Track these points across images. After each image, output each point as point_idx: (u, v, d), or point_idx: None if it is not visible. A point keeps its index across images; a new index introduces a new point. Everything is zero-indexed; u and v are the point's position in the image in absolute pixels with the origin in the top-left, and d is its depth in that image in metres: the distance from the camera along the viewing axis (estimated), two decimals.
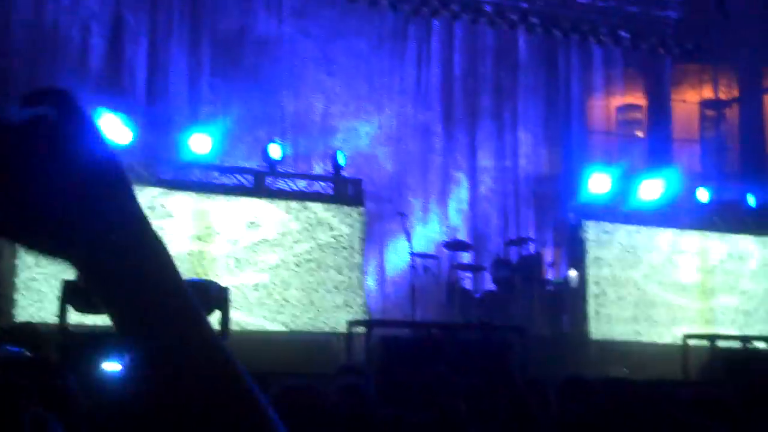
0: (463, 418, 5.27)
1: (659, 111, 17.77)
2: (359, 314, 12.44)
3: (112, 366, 8.42)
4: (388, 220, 14.60)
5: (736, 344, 13.24)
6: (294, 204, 12.77)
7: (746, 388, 4.84)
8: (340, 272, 12.50)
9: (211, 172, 12.95)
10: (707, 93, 18.34)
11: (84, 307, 9.38)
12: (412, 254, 13.15)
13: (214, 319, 9.45)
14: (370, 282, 14.46)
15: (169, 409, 1.04)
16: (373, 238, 14.37)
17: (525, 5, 16.20)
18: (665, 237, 14.29)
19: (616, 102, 17.90)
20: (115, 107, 12.15)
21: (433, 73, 16.19)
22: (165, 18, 14.52)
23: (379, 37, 15.88)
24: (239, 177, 13.00)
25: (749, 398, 4.57)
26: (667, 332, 13.84)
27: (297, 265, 12.37)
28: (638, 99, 18.29)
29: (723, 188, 15.31)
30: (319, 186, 13.41)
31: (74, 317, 9.43)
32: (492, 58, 16.55)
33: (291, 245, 12.43)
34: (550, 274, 14.43)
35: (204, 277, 11.24)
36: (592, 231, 13.92)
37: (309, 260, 12.37)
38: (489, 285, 14.21)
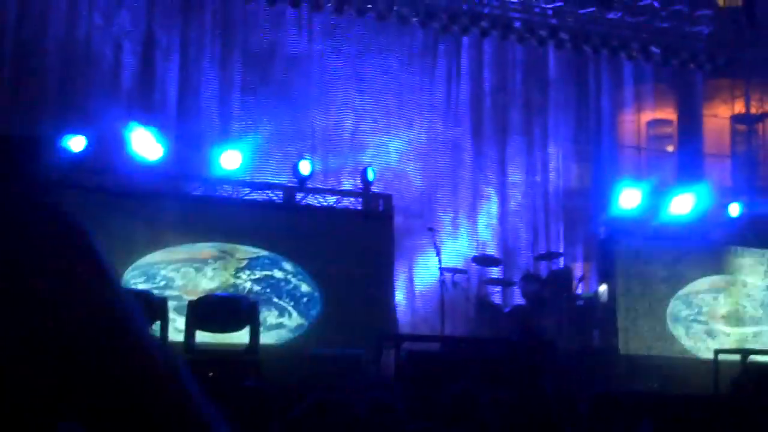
0: None
1: (690, 126, 17.70)
2: (388, 329, 12.45)
3: None
4: (417, 235, 14.64)
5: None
6: (324, 219, 12.82)
7: None
8: (369, 287, 12.50)
9: (242, 188, 13.03)
10: (739, 108, 18.25)
11: None
12: (442, 269, 13.17)
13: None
14: (400, 297, 14.49)
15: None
16: (402, 253, 14.41)
17: (555, 21, 16.20)
18: (697, 253, 14.20)
19: (646, 117, 17.84)
20: (146, 123, 12.28)
21: (462, 89, 16.22)
22: (196, 35, 14.66)
23: (409, 54, 15.94)
24: (269, 193, 13.08)
25: None
26: (698, 347, 13.74)
27: (327, 280, 12.39)
28: (669, 114, 18.23)
29: (754, 203, 15.21)
30: (348, 202, 13.46)
31: None
32: (522, 74, 16.56)
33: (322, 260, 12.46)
34: (579, 289, 14.37)
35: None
36: (622, 246, 13.85)
37: (338, 275, 12.38)
38: (518, 300, 14.18)
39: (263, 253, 12.27)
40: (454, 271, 13.87)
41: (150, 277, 11.73)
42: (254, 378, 8.80)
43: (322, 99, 15.22)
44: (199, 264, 12.00)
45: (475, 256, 14.80)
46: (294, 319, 12.23)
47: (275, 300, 12.16)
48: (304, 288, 12.31)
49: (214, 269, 12.05)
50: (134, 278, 11.63)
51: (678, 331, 13.82)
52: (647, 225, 14.27)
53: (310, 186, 13.28)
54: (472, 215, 15.78)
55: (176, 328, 10.26)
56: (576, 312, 13.61)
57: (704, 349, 13.65)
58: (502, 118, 16.31)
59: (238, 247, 12.21)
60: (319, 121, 15.12)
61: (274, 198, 13.02)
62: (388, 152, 15.46)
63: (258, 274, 12.23)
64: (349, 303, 12.17)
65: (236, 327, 9.99)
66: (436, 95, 15.99)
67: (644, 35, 16.69)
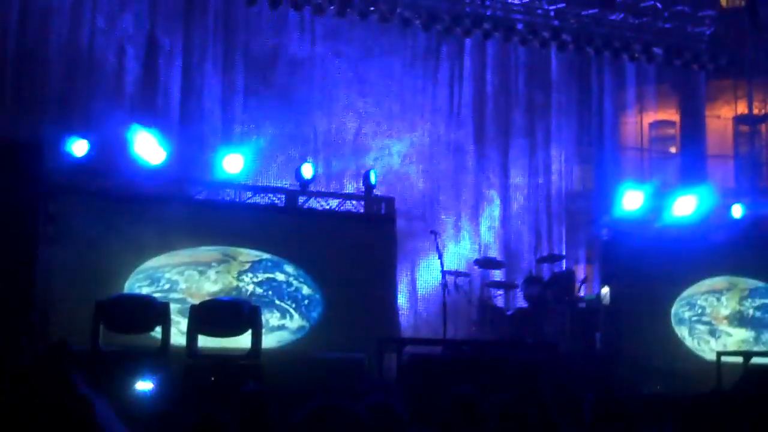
0: None
1: (693, 127, 17.68)
2: (391, 332, 12.47)
3: (143, 384, 8.51)
4: (419, 238, 14.66)
5: None
6: (326, 222, 12.84)
7: None
8: (371, 290, 12.52)
9: (244, 192, 13.04)
10: (741, 108, 18.23)
11: (116, 327, 9.49)
12: (444, 272, 13.17)
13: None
14: (402, 300, 14.50)
15: None
16: (404, 256, 14.42)
17: (557, 23, 16.19)
18: (700, 255, 14.18)
19: (649, 118, 17.83)
20: (149, 127, 12.30)
21: (465, 92, 16.23)
22: (199, 39, 14.68)
23: (411, 57, 15.95)
24: (272, 196, 13.10)
25: None
26: (701, 348, 13.73)
27: (328, 283, 12.42)
28: (671, 115, 18.22)
29: (757, 204, 15.19)
30: (350, 205, 13.46)
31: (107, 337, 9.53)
32: (524, 76, 16.56)
33: (324, 263, 12.49)
34: (582, 291, 14.37)
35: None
36: (624, 248, 13.83)
37: (341, 278, 12.40)
38: (521, 302, 14.18)
39: (265, 256, 12.31)
40: (456, 273, 13.89)
41: (154, 281, 11.78)
42: (255, 382, 8.81)
43: (325, 102, 15.24)
44: (203, 267, 12.05)
45: (477, 259, 14.82)
46: (295, 321, 12.29)
47: (277, 302, 12.23)
48: (306, 290, 12.36)
49: (217, 272, 12.09)
50: (139, 282, 11.68)
51: (681, 332, 13.81)
52: (650, 227, 14.24)
53: (312, 189, 13.28)
54: (475, 218, 15.79)
55: (180, 330, 10.30)
56: (578, 314, 13.60)
57: (708, 350, 13.64)
58: (504, 121, 16.32)
59: (241, 250, 12.25)
60: (321, 125, 15.14)
61: (277, 201, 13.04)
62: (391, 155, 15.48)
63: (260, 277, 12.27)
64: (351, 306, 12.19)
65: (238, 331, 10.01)
66: (438, 98, 16.00)
67: (647, 36, 16.68)
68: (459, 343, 12.15)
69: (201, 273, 12.02)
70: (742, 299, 14.29)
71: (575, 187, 16.81)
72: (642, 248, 13.80)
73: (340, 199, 13.53)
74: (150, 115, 13.42)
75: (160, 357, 9.40)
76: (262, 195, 13.14)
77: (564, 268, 14.67)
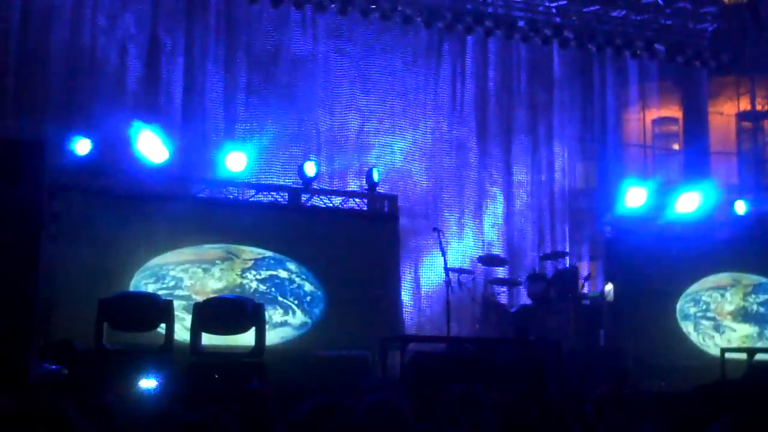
0: None
1: (696, 124, 17.66)
2: (394, 329, 12.48)
3: (147, 382, 8.51)
4: (422, 235, 14.66)
5: None
6: (329, 220, 12.86)
7: None
8: (374, 288, 12.54)
9: (247, 190, 13.06)
10: (744, 105, 18.23)
11: (120, 326, 9.49)
12: (447, 269, 13.16)
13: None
14: (405, 297, 14.50)
15: None
16: (408, 253, 14.43)
17: (559, 20, 16.17)
18: (703, 251, 14.17)
19: (651, 115, 17.83)
20: (151, 126, 12.31)
21: (467, 89, 16.23)
22: (200, 37, 14.68)
23: (413, 55, 15.94)
24: (274, 194, 13.11)
25: None
26: (706, 343, 13.74)
27: (331, 281, 12.44)
28: (674, 112, 18.21)
29: (761, 200, 15.19)
30: (353, 202, 13.47)
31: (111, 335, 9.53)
32: (526, 74, 16.56)
33: (327, 261, 12.51)
34: (585, 288, 14.36)
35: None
36: (628, 245, 13.83)
37: (344, 276, 12.42)
38: (524, 299, 14.17)
39: (268, 253, 12.36)
40: (459, 271, 13.89)
41: (159, 278, 11.86)
42: (259, 380, 8.82)
43: (327, 100, 15.24)
44: (207, 265, 12.12)
45: (480, 256, 14.82)
46: (298, 317, 12.35)
47: (280, 299, 12.30)
48: (308, 287, 12.42)
49: (221, 270, 12.16)
50: (144, 279, 11.75)
51: (687, 327, 13.82)
52: (653, 223, 14.23)
53: (315, 187, 13.30)
54: (478, 215, 15.78)
55: (185, 326, 10.33)
56: (582, 312, 13.58)
57: (712, 345, 13.68)
58: (507, 118, 16.31)
59: (244, 248, 12.31)
60: (323, 122, 15.14)
61: (280, 199, 13.05)
62: (393, 153, 15.48)
63: (263, 274, 12.33)
64: (355, 303, 12.22)
65: (242, 329, 10.00)
66: (440, 95, 15.99)
67: (649, 33, 16.65)
68: (462, 340, 12.14)
69: (205, 270, 12.09)
70: (746, 295, 14.29)
71: (578, 185, 16.81)
72: (645, 245, 13.80)
73: (343, 197, 13.55)
74: (152, 113, 13.42)
75: (164, 355, 9.40)
76: (265, 193, 13.15)
77: (567, 266, 14.67)
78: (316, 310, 12.40)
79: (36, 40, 13.61)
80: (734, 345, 13.71)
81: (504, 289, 14.74)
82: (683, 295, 13.93)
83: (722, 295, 14.19)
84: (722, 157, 18.02)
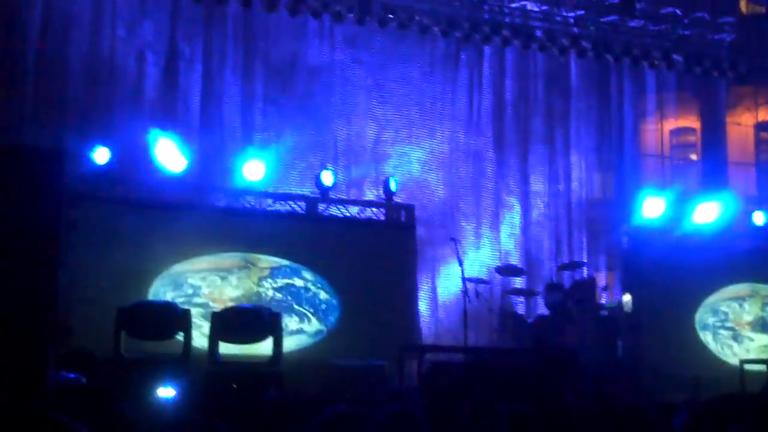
0: None
1: (714, 134, 17.60)
2: (411, 339, 12.47)
3: (166, 391, 8.51)
4: (439, 245, 14.63)
5: None
6: (346, 230, 12.88)
7: None
8: (392, 298, 12.55)
9: (265, 200, 13.08)
10: (763, 115, 18.15)
11: (138, 334, 9.51)
12: (464, 279, 13.14)
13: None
14: (422, 307, 14.49)
15: None
16: (425, 263, 14.41)
17: (576, 30, 16.16)
18: (721, 262, 14.11)
19: (669, 125, 17.76)
20: (169, 135, 12.35)
21: (484, 99, 16.22)
22: (219, 46, 14.71)
23: (430, 64, 15.95)
24: (292, 204, 13.12)
25: None
26: (725, 352, 13.69)
27: (348, 290, 12.45)
28: (692, 122, 18.14)
29: None
30: (371, 212, 13.47)
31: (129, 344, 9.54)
32: (543, 83, 16.54)
33: (344, 270, 12.53)
34: (603, 299, 14.32)
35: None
36: (646, 255, 13.78)
37: (361, 285, 12.43)
38: (542, 310, 14.13)
39: (284, 262, 12.42)
40: (477, 281, 13.85)
41: (178, 286, 11.94)
42: (276, 389, 8.81)
43: (344, 109, 15.25)
44: (224, 273, 12.20)
45: (498, 266, 14.79)
46: (313, 325, 12.44)
47: (296, 307, 12.40)
48: (323, 295, 12.47)
49: (238, 278, 12.25)
50: (163, 286, 11.81)
51: (705, 337, 13.78)
52: (671, 234, 14.18)
53: (332, 196, 13.31)
54: (495, 225, 15.76)
55: (203, 333, 10.38)
56: (600, 322, 13.55)
57: (731, 355, 13.72)
58: (524, 128, 16.29)
59: (261, 256, 12.36)
60: (341, 132, 15.16)
61: (297, 209, 13.06)
62: (410, 162, 15.47)
63: (279, 283, 12.41)
64: (372, 312, 12.23)
65: (259, 338, 10.00)
66: (457, 105, 15.98)
67: (667, 43, 16.62)
68: (480, 350, 12.13)
69: (223, 278, 12.16)
70: (764, 305, 14.26)
71: (596, 195, 16.76)
72: (663, 256, 13.75)
73: (360, 207, 13.56)
74: (170, 122, 13.45)
75: (182, 364, 9.40)
76: (282, 202, 13.17)
77: (585, 276, 14.63)
78: (331, 318, 12.45)
79: (55, 48, 13.67)
80: (752, 354, 13.67)
81: (521, 299, 14.71)
82: (703, 305, 13.88)
83: (740, 306, 14.16)
84: (740, 168, 17.94)
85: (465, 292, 13.02)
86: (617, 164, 16.85)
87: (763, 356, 13.68)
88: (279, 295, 12.31)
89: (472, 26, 15.61)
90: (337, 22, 15.01)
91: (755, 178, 18.06)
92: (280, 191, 13.78)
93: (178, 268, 11.97)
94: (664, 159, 17.75)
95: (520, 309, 14.55)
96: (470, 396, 6.67)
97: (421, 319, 14.15)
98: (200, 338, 10.36)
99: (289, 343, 11.56)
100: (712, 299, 13.97)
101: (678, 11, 16.49)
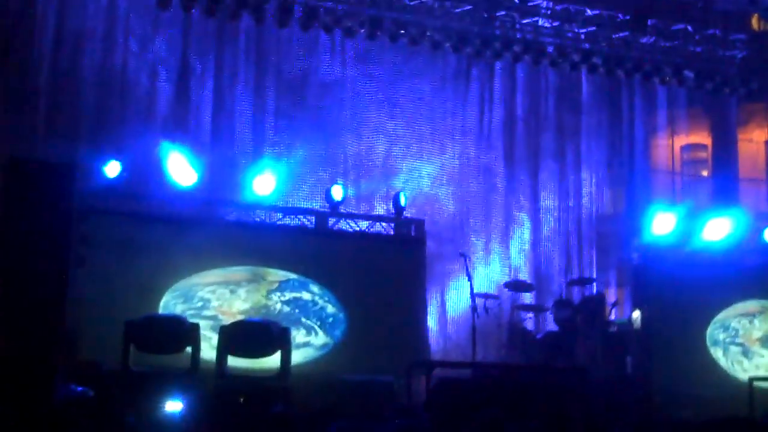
0: None
1: (725, 150, 17.58)
2: (420, 355, 12.46)
3: (173, 405, 8.53)
4: (449, 260, 14.63)
5: None
6: (356, 244, 12.90)
7: None
8: (401, 312, 12.55)
9: (274, 214, 13.12)
10: None
11: (146, 348, 9.54)
12: (474, 295, 13.14)
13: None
14: (432, 322, 14.48)
15: None
16: (434, 278, 14.41)
17: (587, 46, 16.16)
18: (731, 278, 14.08)
19: (680, 141, 17.75)
20: (181, 149, 12.41)
21: (495, 114, 16.24)
22: (230, 62, 14.79)
23: (441, 79, 15.99)
24: (301, 218, 13.16)
25: None
26: (734, 369, 13.65)
27: (358, 304, 12.46)
28: (703, 138, 18.12)
29: None
30: (380, 227, 13.49)
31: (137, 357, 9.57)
32: (554, 99, 16.55)
33: (353, 284, 12.55)
34: (613, 315, 14.28)
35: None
36: (656, 271, 13.75)
37: (371, 299, 12.45)
38: (551, 326, 14.11)
39: (293, 276, 12.45)
40: (486, 296, 13.84)
41: (188, 299, 12.02)
42: (283, 404, 8.82)
43: (355, 124, 15.30)
44: (233, 286, 12.27)
45: (507, 282, 14.77)
46: (320, 338, 12.46)
47: (303, 320, 12.43)
48: (330, 309, 12.50)
49: (247, 291, 12.30)
50: (174, 299, 11.89)
51: (716, 353, 13.74)
52: (681, 250, 14.14)
53: (342, 211, 13.33)
54: (505, 240, 15.76)
55: (212, 345, 10.43)
56: (609, 338, 13.51)
57: (740, 370, 13.64)
58: (534, 143, 16.30)
59: (270, 270, 12.40)
60: (351, 146, 15.20)
61: (307, 223, 13.09)
62: (421, 177, 15.50)
63: (287, 296, 12.46)
64: (380, 327, 12.25)
65: (267, 353, 10.03)
66: (468, 120, 16.01)
67: (678, 59, 16.60)
68: (489, 366, 12.12)
69: (232, 291, 12.23)
70: None
71: (606, 210, 16.74)
72: (673, 272, 13.72)
73: (370, 221, 13.57)
74: (182, 136, 13.51)
75: (190, 377, 9.43)
76: (292, 216, 13.21)
77: (595, 292, 14.61)
78: (337, 332, 12.48)
79: (68, 63, 13.77)
80: (762, 371, 13.62)
81: (530, 315, 14.68)
82: (712, 322, 13.84)
83: (750, 322, 14.12)
84: (751, 184, 17.91)
85: (474, 307, 13.02)
86: (628, 180, 16.83)
87: None
88: (287, 308, 12.34)
89: (483, 42, 15.62)
90: (348, 38, 15.05)
91: (766, 195, 18.02)
92: (290, 205, 13.84)
93: (189, 281, 12.03)
94: (675, 175, 17.73)
95: (529, 325, 14.52)
96: (479, 412, 6.68)
97: (430, 335, 14.13)
98: (209, 350, 10.41)
99: (297, 356, 11.58)
100: (722, 315, 13.92)
101: (689, 28, 16.48)
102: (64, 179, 8.60)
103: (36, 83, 13.52)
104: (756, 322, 14.13)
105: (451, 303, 14.96)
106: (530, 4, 15.62)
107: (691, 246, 14.15)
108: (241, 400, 9.14)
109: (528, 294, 14.78)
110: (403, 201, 13.47)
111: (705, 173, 18.18)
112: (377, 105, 15.56)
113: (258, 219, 13.04)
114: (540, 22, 15.90)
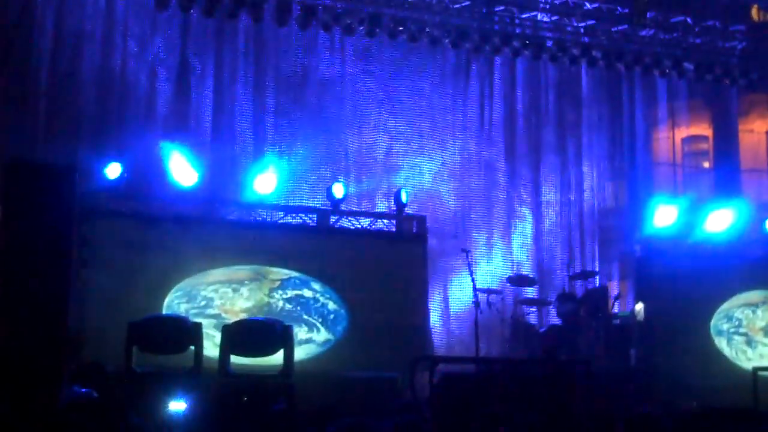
0: None
1: (726, 141, 17.58)
2: (423, 350, 12.47)
3: (177, 405, 8.55)
4: (451, 256, 14.64)
5: None
6: (357, 241, 12.91)
7: None
8: (403, 309, 12.57)
9: (276, 212, 13.13)
10: None
11: (149, 348, 9.54)
12: (476, 290, 13.15)
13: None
14: (434, 318, 14.49)
15: None
16: (436, 274, 14.42)
17: (587, 39, 16.16)
18: (733, 269, 14.09)
19: (681, 133, 17.74)
20: (181, 149, 12.43)
21: (495, 109, 16.24)
22: (230, 61, 14.79)
23: (441, 75, 15.99)
24: (303, 216, 13.17)
25: None
26: (738, 357, 13.67)
27: (361, 302, 12.48)
28: (704, 130, 18.12)
29: None
30: (382, 224, 13.50)
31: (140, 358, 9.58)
32: (554, 93, 16.55)
33: (356, 281, 12.57)
34: (616, 308, 14.29)
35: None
36: (658, 264, 13.76)
37: (372, 296, 12.47)
38: (554, 319, 14.12)
39: (294, 274, 12.49)
40: (488, 291, 13.85)
41: (191, 298, 12.07)
42: (286, 401, 8.83)
43: (355, 121, 15.30)
44: (236, 285, 12.31)
45: (510, 276, 14.78)
46: (322, 335, 12.49)
47: (305, 317, 12.46)
48: (331, 306, 12.53)
49: (249, 290, 12.34)
50: (177, 299, 11.95)
51: (720, 343, 13.77)
52: (683, 242, 14.15)
53: (343, 208, 13.34)
54: (507, 235, 15.76)
55: (215, 343, 10.42)
56: (612, 331, 13.52)
57: (744, 360, 13.69)
58: (535, 138, 16.30)
59: (272, 268, 12.42)
60: (352, 144, 15.20)
61: (308, 221, 13.10)
62: (422, 173, 15.50)
63: (289, 294, 12.50)
64: (383, 323, 12.25)
65: (270, 351, 10.02)
66: (468, 116, 16.01)
67: (677, 52, 16.60)
68: (492, 361, 12.10)
69: (234, 290, 12.28)
70: None
71: (608, 204, 16.75)
72: (676, 264, 13.73)
73: (372, 218, 13.58)
74: (182, 136, 13.52)
75: (193, 377, 9.43)
76: (293, 215, 13.22)
77: (597, 285, 14.61)
78: (339, 328, 12.52)
79: (67, 64, 13.78)
80: (766, 360, 13.64)
81: (533, 309, 14.69)
82: (716, 312, 13.86)
83: (754, 312, 14.15)
84: (753, 175, 17.91)
85: (477, 302, 13.03)
86: (629, 173, 16.83)
87: None
88: (289, 306, 12.38)
89: (483, 37, 15.63)
90: (347, 35, 15.06)
91: None
92: (292, 204, 13.85)
93: (191, 280, 12.06)
94: (676, 167, 17.73)
95: (532, 319, 14.54)
96: (483, 406, 6.69)
97: (433, 330, 14.15)
98: (212, 349, 10.42)
99: (299, 353, 11.59)
100: (725, 306, 13.94)
101: (689, 19, 16.48)
102: (65, 181, 8.60)
103: (36, 85, 13.53)
104: (759, 312, 14.15)
105: (454, 298, 14.96)
106: None
107: (693, 238, 14.16)
108: (245, 398, 9.15)
109: (530, 288, 14.79)
110: (404, 198, 13.47)
111: (706, 165, 18.18)
112: (377, 102, 15.56)
113: (260, 218, 13.05)
114: (539, 17, 15.92)
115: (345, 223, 13.25)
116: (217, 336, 10.45)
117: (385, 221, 13.56)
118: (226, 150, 14.34)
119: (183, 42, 14.53)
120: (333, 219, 13.18)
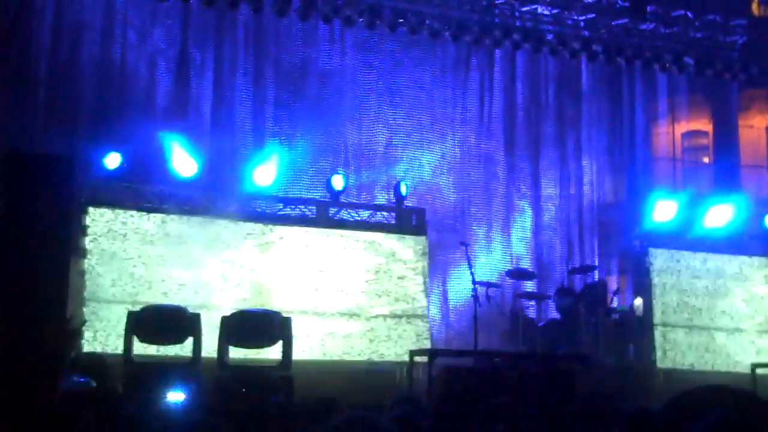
0: None
1: (726, 137, 17.55)
2: (422, 344, 12.47)
3: (175, 395, 8.55)
4: (450, 249, 14.61)
5: None
6: (356, 234, 12.89)
7: None
8: (402, 302, 12.56)
9: (275, 204, 13.11)
10: None
11: (148, 338, 9.55)
12: (475, 283, 13.12)
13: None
14: (433, 311, 14.47)
15: None
16: (435, 267, 14.39)
17: (587, 33, 16.12)
18: (733, 264, 14.09)
19: (681, 128, 17.72)
20: (181, 140, 12.41)
21: (495, 103, 16.20)
22: (229, 52, 14.75)
23: (441, 68, 15.95)
24: (302, 208, 13.15)
25: None
26: (736, 361, 13.64)
27: (360, 295, 12.47)
28: (704, 125, 18.10)
29: None
30: (381, 216, 13.49)
31: (139, 348, 9.57)
32: (554, 87, 16.52)
33: (354, 275, 12.56)
34: (615, 302, 14.28)
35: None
36: (657, 258, 13.76)
37: (372, 290, 12.45)
38: (553, 314, 14.11)
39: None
40: (487, 285, 13.79)
41: (189, 289, 11.97)
42: (284, 393, 8.83)
43: (355, 114, 15.27)
44: (236, 275, 12.23)
45: (509, 270, 14.75)
46: (322, 327, 12.41)
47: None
48: (333, 298, 12.48)
49: (250, 281, 12.25)
50: (176, 290, 11.88)
51: (719, 338, 13.75)
52: (683, 237, 14.15)
53: (343, 200, 13.33)
54: (506, 229, 15.74)
55: (214, 335, 10.41)
56: (611, 326, 13.51)
57: (743, 357, 13.64)
58: (535, 131, 16.27)
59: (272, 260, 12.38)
60: (351, 136, 15.17)
61: (308, 213, 13.08)
62: (421, 166, 15.48)
63: None
64: (382, 317, 12.24)
65: (269, 343, 10.04)
66: (468, 109, 15.98)
67: (678, 46, 16.55)
68: (491, 354, 12.09)
69: (234, 281, 12.22)
70: None
71: (607, 198, 16.72)
72: (675, 259, 13.72)
73: (371, 211, 13.56)
74: (181, 127, 13.49)
75: (192, 368, 9.44)
76: (293, 206, 13.20)
77: (596, 279, 14.60)
78: (340, 321, 12.45)
79: (67, 55, 13.74)
80: (764, 356, 13.63)
81: (532, 303, 14.67)
82: (714, 308, 13.85)
83: (753, 307, 14.13)
84: (753, 170, 17.89)
85: (476, 296, 12.99)
86: (629, 167, 16.81)
87: None
88: None
89: (483, 30, 15.59)
90: (347, 27, 15.02)
91: (767, 181, 18.01)
92: (291, 195, 13.83)
93: (191, 271, 12.02)
94: (676, 162, 17.70)
95: (531, 313, 14.52)
96: (481, 400, 6.66)
97: (432, 323, 14.13)
98: (211, 340, 10.41)
99: (299, 345, 11.62)
100: (724, 301, 13.94)
101: (689, 14, 16.43)
102: (65, 172, 8.58)
103: (35, 76, 13.49)
104: (758, 307, 14.15)
105: (453, 292, 14.95)
106: None
107: (692, 233, 14.15)
108: (243, 390, 9.15)
109: (529, 282, 14.76)
110: (404, 190, 13.47)
111: (706, 160, 18.16)
112: (377, 94, 15.53)
113: (259, 209, 13.02)
114: (539, 10, 15.87)
115: (344, 215, 13.23)
116: (216, 328, 10.46)
117: (385, 213, 13.56)
118: (225, 141, 14.30)
119: (183, 33, 14.49)
120: (332, 211, 13.16)
